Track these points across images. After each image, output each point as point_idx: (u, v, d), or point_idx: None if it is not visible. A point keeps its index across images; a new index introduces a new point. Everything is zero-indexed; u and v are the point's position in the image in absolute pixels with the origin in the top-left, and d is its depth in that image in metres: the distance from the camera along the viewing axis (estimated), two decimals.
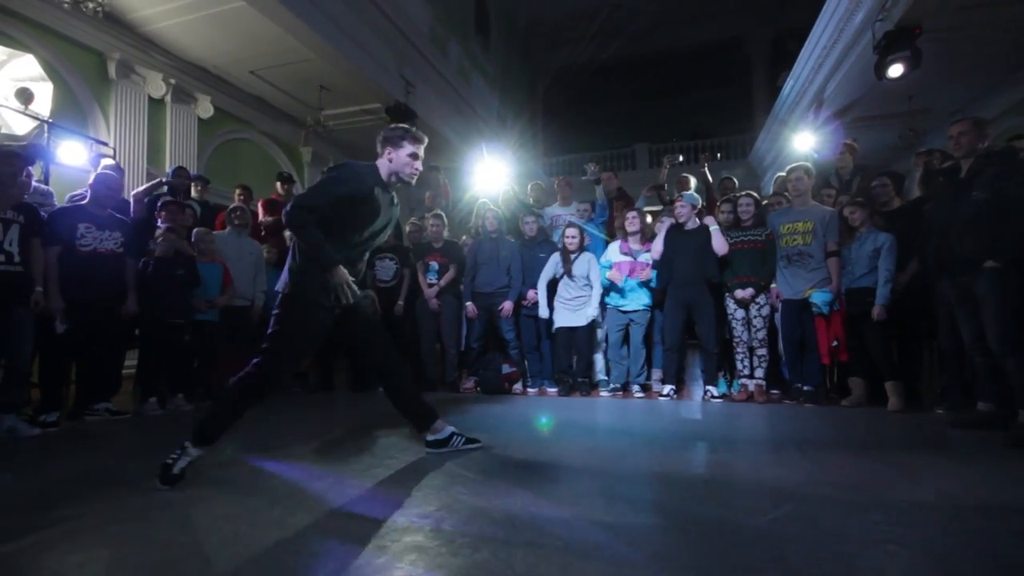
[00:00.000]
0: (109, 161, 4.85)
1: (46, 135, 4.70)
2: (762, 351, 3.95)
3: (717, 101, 15.24)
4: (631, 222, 4.45)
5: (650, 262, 4.35)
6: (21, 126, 4.66)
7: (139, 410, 3.68)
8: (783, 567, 1.27)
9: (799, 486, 1.92)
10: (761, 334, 3.94)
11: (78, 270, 3.31)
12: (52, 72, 5.18)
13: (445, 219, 5.09)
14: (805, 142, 7.19)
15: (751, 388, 3.97)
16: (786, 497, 1.78)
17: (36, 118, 4.74)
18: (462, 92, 9.62)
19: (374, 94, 7.40)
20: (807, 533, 1.48)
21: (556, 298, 4.54)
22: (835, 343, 3.76)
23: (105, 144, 5.56)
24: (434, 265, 4.88)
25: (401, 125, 2.40)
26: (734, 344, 4.05)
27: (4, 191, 2.93)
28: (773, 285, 3.94)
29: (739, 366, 4.04)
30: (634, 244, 4.47)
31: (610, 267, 4.41)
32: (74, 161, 4.87)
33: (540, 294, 4.54)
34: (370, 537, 1.47)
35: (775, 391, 4.09)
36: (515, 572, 1.26)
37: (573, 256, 4.49)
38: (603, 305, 4.55)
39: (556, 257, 4.59)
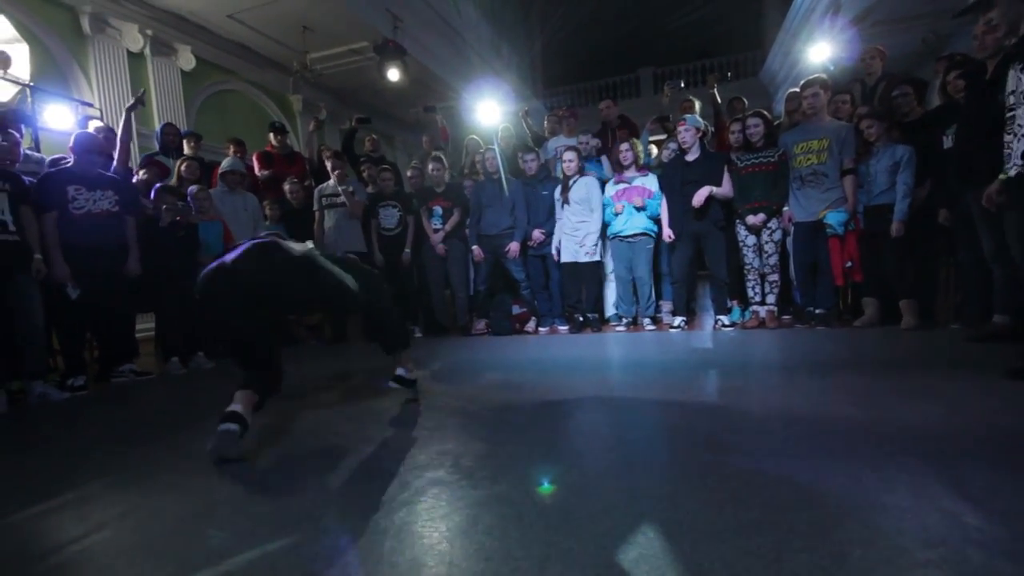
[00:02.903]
0: (97, 123, 4.71)
1: (29, 100, 4.55)
2: (774, 277, 3.91)
3: (725, 17, 14.25)
4: (624, 154, 4.32)
5: (647, 188, 4.23)
6: (3, 92, 4.51)
7: (164, 370, 3.79)
8: (792, 487, 1.29)
9: (810, 407, 1.94)
10: (773, 260, 3.88)
11: (75, 234, 3.25)
12: (25, 32, 4.95)
13: (446, 162, 4.96)
14: (820, 53, 6.74)
15: (762, 315, 3.97)
16: (796, 419, 1.81)
17: (17, 82, 4.58)
18: (453, 23, 9.07)
19: (360, 32, 7.01)
20: (816, 452, 1.51)
21: (558, 230, 4.48)
22: (849, 264, 3.71)
23: (90, 105, 5.39)
24: (438, 210, 4.80)
25: None
26: (745, 271, 4.01)
27: None
28: (785, 208, 3.83)
29: (750, 293, 4.01)
30: (628, 172, 4.35)
31: (610, 202, 4.32)
32: (61, 125, 4.74)
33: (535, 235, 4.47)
34: (394, 474, 1.52)
35: (787, 316, 4.09)
36: (535, 502, 1.30)
37: (572, 181, 4.39)
38: (605, 238, 4.48)
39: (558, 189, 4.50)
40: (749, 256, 3.94)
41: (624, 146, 4.36)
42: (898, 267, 3.51)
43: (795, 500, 1.21)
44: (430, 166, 4.90)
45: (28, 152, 3.79)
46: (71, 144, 3.48)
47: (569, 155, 4.41)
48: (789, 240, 3.95)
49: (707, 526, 1.12)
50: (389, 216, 4.85)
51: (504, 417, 2.09)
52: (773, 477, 1.34)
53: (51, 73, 5.23)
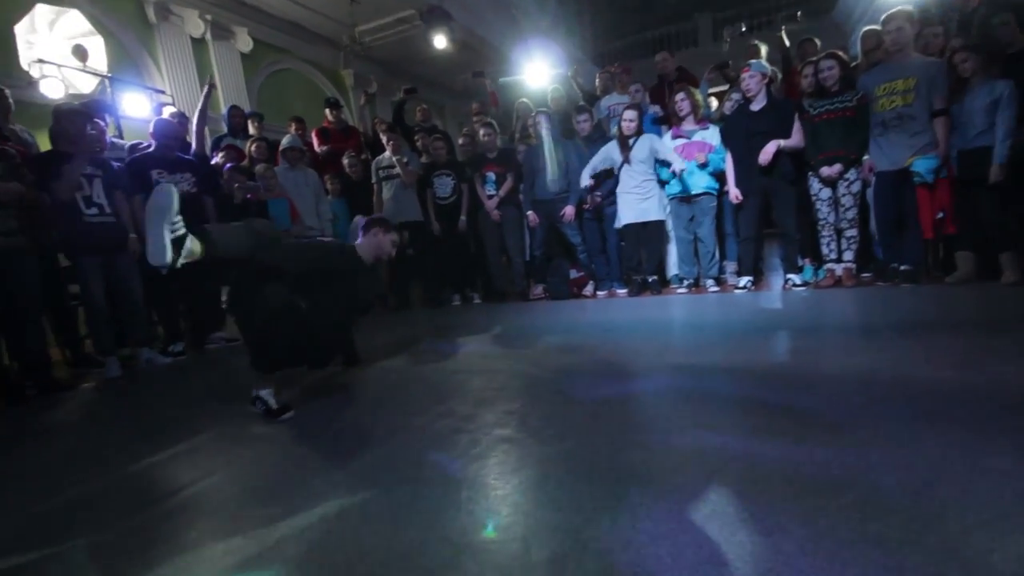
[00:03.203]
0: (171, 108, 5.00)
1: (108, 90, 4.88)
2: (851, 232, 3.63)
3: None
4: (680, 104, 4.09)
5: (707, 143, 4.01)
6: (85, 84, 4.86)
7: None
8: (875, 448, 1.24)
9: (895, 369, 1.83)
10: (851, 213, 3.59)
11: None
12: (98, 25, 5.26)
13: (496, 126, 4.91)
14: None
15: (839, 272, 3.72)
16: (878, 383, 1.71)
17: (96, 74, 4.91)
18: None
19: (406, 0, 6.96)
20: (903, 415, 1.42)
21: (619, 191, 4.35)
22: (940, 215, 3.38)
23: (162, 92, 5.72)
24: (491, 176, 4.79)
25: None
26: (818, 227, 3.74)
27: (78, 147, 3.10)
28: (866, 157, 3.53)
29: (824, 250, 3.76)
30: (687, 125, 4.12)
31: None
32: (138, 112, 5.06)
33: (583, 183, 4.32)
34: (464, 431, 1.59)
35: (866, 274, 3.82)
36: (601, 457, 1.32)
37: (632, 141, 4.22)
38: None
39: (609, 147, 4.34)
40: (824, 211, 3.67)
41: (679, 96, 4.12)
42: (998, 216, 3.17)
43: (880, 462, 1.16)
44: (481, 132, 4.87)
45: (113, 140, 4.09)
46: (151, 131, 3.72)
47: (629, 113, 4.23)
48: (869, 192, 3.65)
49: (783, 485, 1.10)
50: (443, 185, 4.90)
51: (566, 379, 2.11)
52: (853, 439, 1.29)
53: (125, 63, 5.57)
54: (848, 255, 3.67)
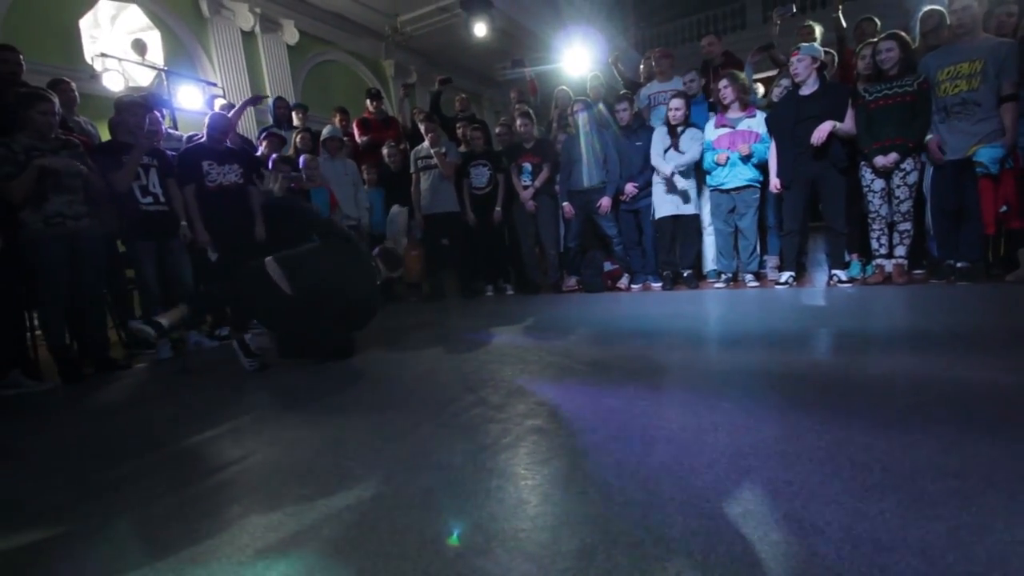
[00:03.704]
0: (222, 101, 5.21)
1: (164, 83, 5.12)
2: (905, 226, 3.44)
3: None
4: (724, 91, 3.94)
5: (753, 131, 3.87)
6: (144, 77, 5.11)
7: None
8: (922, 453, 1.18)
9: (947, 372, 1.74)
10: (905, 206, 3.40)
11: (210, 206, 3.68)
12: (156, 19, 5.51)
13: (534, 116, 4.88)
14: None
15: (889, 269, 3.54)
16: (929, 384, 1.63)
17: (154, 67, 5.15)
18: None
19: None
20: (954, 419, 1.35)
21: (654, 181, 4.27)
22: (1004, 208, 3.17)
23: (215, 85, 5.95)
24: (527, 166, 4.78)
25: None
26: (869, 220, 3.56)
27: (137, 139, 3.27)
28: (931, 136, 3.28)
29: (874, 245, 3.58)
30: (732, 114, 3.98)
31: (710, 147, 4.01)
32: (192, 104, 5.29)
33: (663, 172, 4.14)
34: (495, 421, 1.61)
35: (919, 271, 3.62)
36: (632, 452, 1.31)
37: (680, 130, 4.12)
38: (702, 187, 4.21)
39: (662, 131, 4.24)
40: (876, 203, 3.49)
41: (723, 82, 3.97)
42: None
43: (926, 467, 1.11)
44: (518, 122, 4.86)
45: (170, 131, 4.30)
46: (206, 123, 3.89)
47: (676, 102, 4.11)
48: (925, 184, 3.44)
49: (821, 488, 1.07)
50: (480, 175, 4.92)
51: (599, 372, 2.10)
52: (899, 443, 1.24)
53: (180, 56, 5.82)
54: (900, 250, 3.49)
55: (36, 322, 3.09)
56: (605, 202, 4.39)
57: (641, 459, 1.27)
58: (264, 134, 4.64)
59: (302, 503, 1.20)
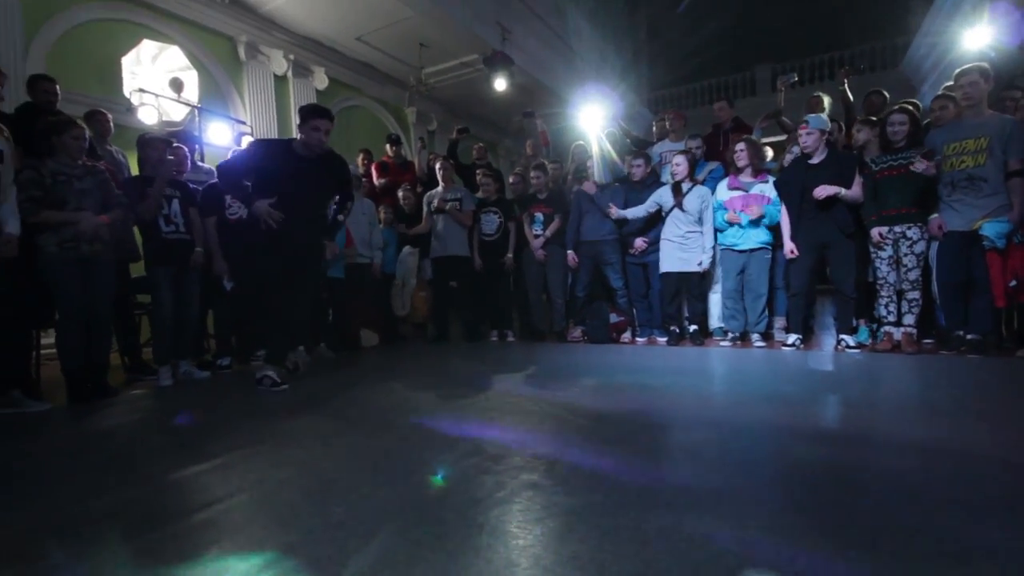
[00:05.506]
0: (249, 138, 5.42)
1: (197, 119, 5.35)
2: (914, 294, 3.43)
3: (856, 1, 12.83)
4: (739, 155, 4.04)
5: (764, 195, 3.94)
6: (177, 113, 5.36)
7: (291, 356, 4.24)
8: (932, 535, 1.13)
9: (959, 446, 1.68)
10: (913, 274, 3.41)
11: (230, 236, 3.79)
12: (195, 60, 5.83)
13: (548, 170, 5.02)
14: (978, 38, 5.84)
15: (898, 336, 3.50)
16: (940, 459, 1.57)
17: (188, 104, 5.41)
18: (558, 30, 9.18)
19: (471, 45, 7.35)
20: (968, 499, 1.30)
21: (663, 237, 4.31)
22: (1014, 283, 3.15)
23: (243, 123, 6.22)
24: (539, 216, 4.87)
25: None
26: (877, 287, 3.56)
27: (158, 172, 3.40)
28: (933, 216, 3.35)
29: (882, 312, 3.56)
30: (744, 177, 4.06)
31: (721, 207, 4.08)
32: (221, 140, 5.51)
33: (626, 217, 4.40)
34: (490, 472, 1.57)
35: (928, 341, 3.58)
36: (629, 516, 1.27)
37: (685, 187, 4.20)
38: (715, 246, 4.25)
39: (661, 191, 4.33)
40: (883, 269, 3.50)
41: (739, 146, 4.09)
42: None
43: (936, 551, 1.06)
44: (532, 173, 4.99)
45: (199, 164, 4.46)
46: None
47: (679, 159, 4.25)
48: (931, 253, 3.45)
49: (825, 568, 1.02)
50: (489, 222, 5.01)
51: (600, 426, 2.06)
52: (910, 525, 1.19)
53: (214, 95, 6.12)
54: (909, 319, 3.46)
55: (42, 342, 3.11)
56: (639, 242, 4.42)
57: (638, 525, 1.22)
58: None
59: (284, 550, 1.16)
